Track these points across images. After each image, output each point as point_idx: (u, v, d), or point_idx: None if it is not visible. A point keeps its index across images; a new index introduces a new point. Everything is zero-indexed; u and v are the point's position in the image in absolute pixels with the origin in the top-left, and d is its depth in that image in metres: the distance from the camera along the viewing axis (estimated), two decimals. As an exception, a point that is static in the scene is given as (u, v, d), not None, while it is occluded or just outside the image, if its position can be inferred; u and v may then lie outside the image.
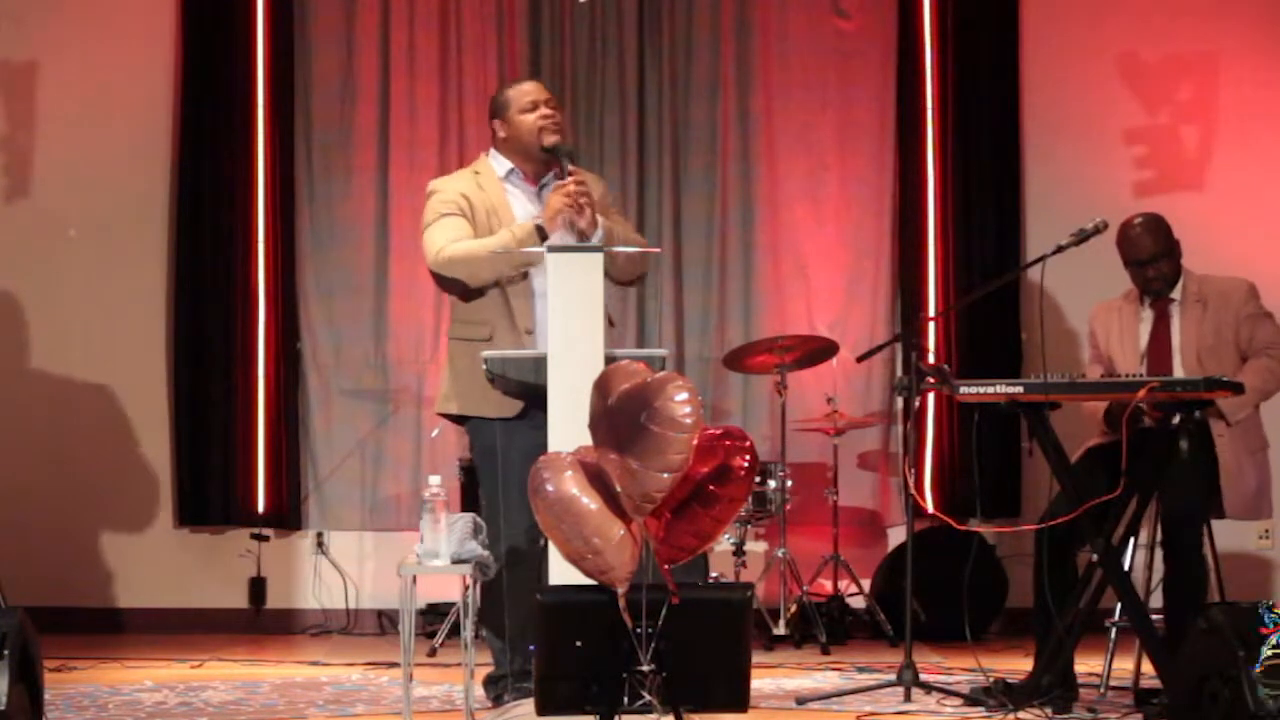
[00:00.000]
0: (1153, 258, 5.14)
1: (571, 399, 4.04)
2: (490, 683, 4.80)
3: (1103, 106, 7.23)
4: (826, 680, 5.54)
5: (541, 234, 4.59)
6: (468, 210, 4.78)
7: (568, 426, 4.04)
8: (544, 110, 4.80)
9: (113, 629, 6.94)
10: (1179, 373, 5.06)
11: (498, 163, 4.89)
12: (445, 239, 4.73)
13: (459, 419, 4.87)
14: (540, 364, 4.29)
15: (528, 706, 4.05)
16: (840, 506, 6.74)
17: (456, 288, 4.77)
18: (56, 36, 7.18)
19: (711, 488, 3.64)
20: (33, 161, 7.18)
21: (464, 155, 7.18)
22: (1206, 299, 5.14)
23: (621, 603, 3.60)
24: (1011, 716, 4.66)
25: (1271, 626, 3.77)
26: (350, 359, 7.24)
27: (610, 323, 4.76)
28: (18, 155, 7.17)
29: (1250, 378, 4.94)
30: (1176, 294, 5.18)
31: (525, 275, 4.73)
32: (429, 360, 7.19)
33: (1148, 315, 5.21)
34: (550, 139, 4.78)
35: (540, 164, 4.83)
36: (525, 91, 4.87)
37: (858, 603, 6.78)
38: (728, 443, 3.67)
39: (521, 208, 4.82)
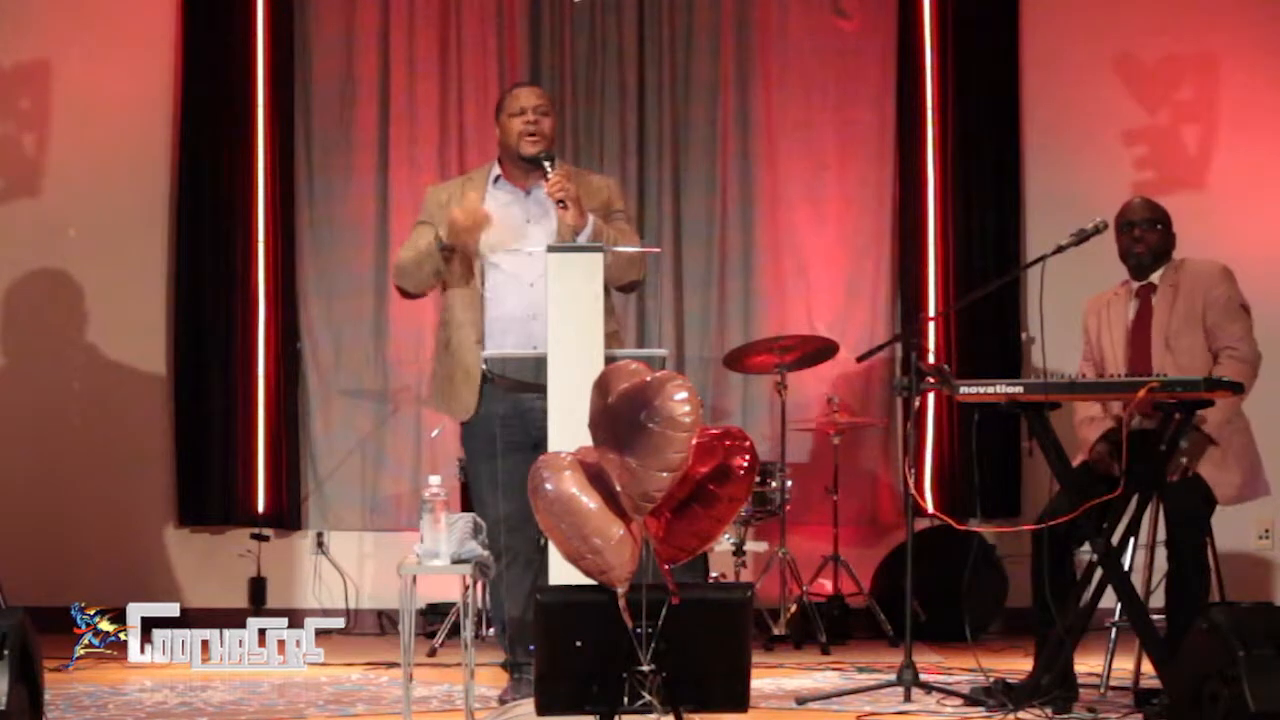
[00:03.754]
0: (1142, 220, 5.18)
1: (571, 399, 4.04)
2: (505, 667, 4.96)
3: (1102, 106, 7.23)
4: (826, 680, 5.54)
5: (444, 246, 4.80)
6: (437, 218, 4.93)
7: (567, 426, 4.04)
8: (528, 117, 4.89)
9: (113, 629, 6.94)
10: (1157, 361, 5.05)
11: (493, 168, 5.03)
12: (403, 249, 5.03)
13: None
14: (540, 364, 4.31)
15: (527, 706, 4.05)
16: (840, 506, 6.74)
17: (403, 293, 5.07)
18: (58, 37, 7.17)
19: (711, 488, 3.64)
20: (35, 162, 7.18)
21: (464, 155, 7.19)
22: (1179, 283, 5.15)
23: (621, 603, 3.60)
24: (1011, 716, 4.66)
25: None
26: (350, 359, 7.24)
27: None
28: (22, 156, 7.17)
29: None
30: (1158, 280, 5.19)
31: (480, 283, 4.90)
32: (429, 360, 7.17)
33: (1133, 305, 5.22)
34: (529, 149, 4.87)
35: (525, 169, 4.88)
36: (516, 97, 4.99)
37: (858, 603, 6.78)
38: (728, 443, 3.67)
39: (501, 212, 4.91)
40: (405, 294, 5.05)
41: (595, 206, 4.85)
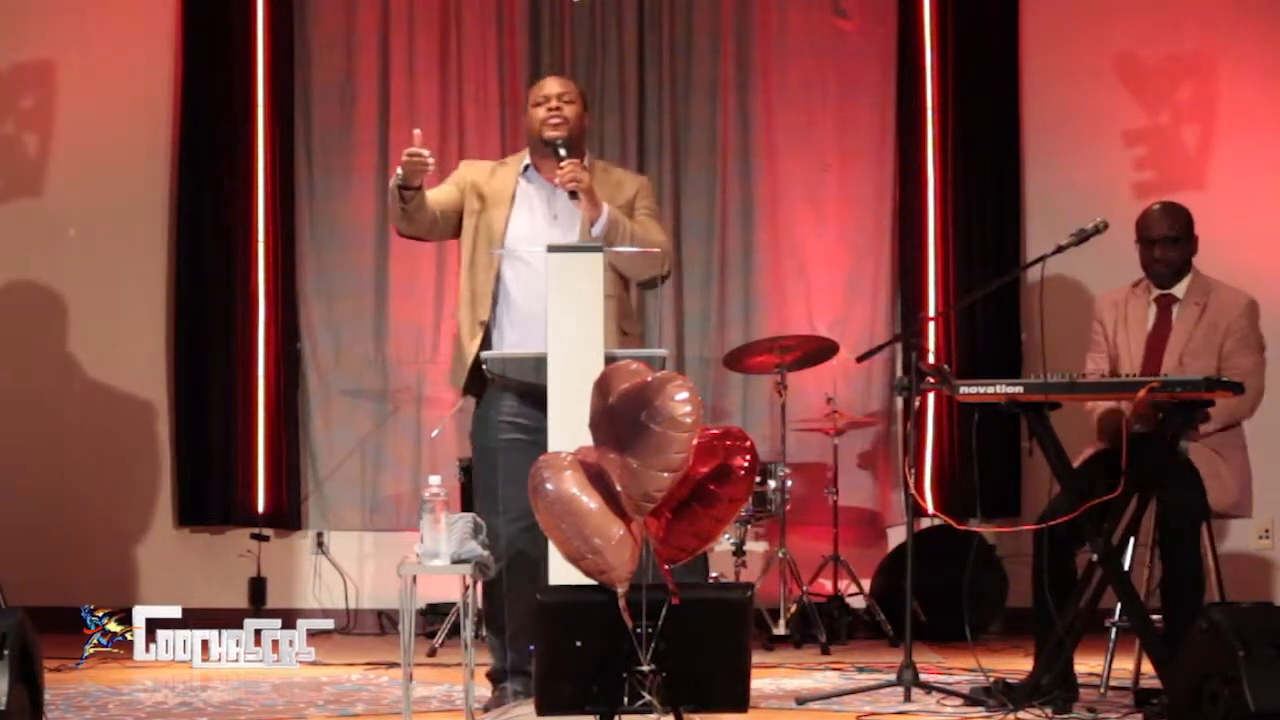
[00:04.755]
0: (1163, 239, 5.16)
1: (571, 399, 4.04)
2: (490, 677, 4.85)
3: (1103, 107, 7.23)
4: (826, 680, 5.54)
5: (403, 185, 4.69)
6: (462, 186, 4.92)
7: (568, 426, 4.04)
8: (551, 104, 4.84)
9: (113, 629, 6.95)
10: (1167, 372, 5.05)
11: (525, 157, 4.96)
12: None
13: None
14: (540, 364, 4.30)
15: (528, 706, 4.05)
16: (840, 506, 6.74)
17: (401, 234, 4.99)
18: (59, 38, 7.18)
19: (711, 488, 3.64)
20: (36, 162, 7.18)
21: (464, 155, 7.17)
22: (1206, 303, 5.14)
23: (621, 603, 3.60)
24: (1011, 716, 4.66)
25: None
26: (350, 359, 7.25)
27: (624, 331, 4.76)
28: (23, 156, 7.17)
29: (1218, 407, 4.93)
30: (1181, 293, 5.19)
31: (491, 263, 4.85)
32: (429, 360, 7.19)
33: (1153, 311, 5.22)
34: (550, 133, 4.81)
35: (551, 161, 4.83)
36: (541, 85, 4.95)
37: (858, 603, 6.78)
38: (728, 443, 3.67)
39: (526, 204, 4.88)
40: (403, 235, 4.99)
41: (620, 203, 4.81)
